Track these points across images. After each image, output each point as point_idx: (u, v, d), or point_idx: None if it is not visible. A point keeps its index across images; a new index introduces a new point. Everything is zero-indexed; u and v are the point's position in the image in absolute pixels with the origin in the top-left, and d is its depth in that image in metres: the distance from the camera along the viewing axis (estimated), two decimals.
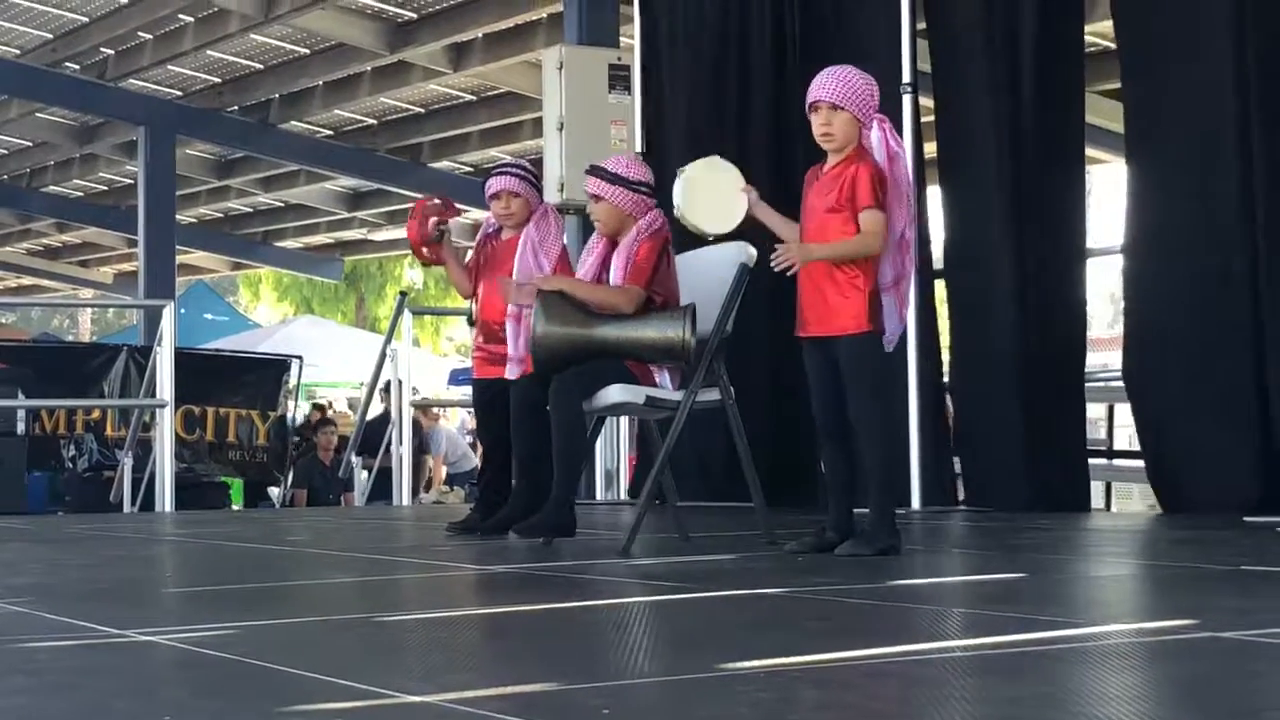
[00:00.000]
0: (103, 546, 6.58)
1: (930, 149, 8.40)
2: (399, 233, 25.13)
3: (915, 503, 7.75)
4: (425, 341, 29.93)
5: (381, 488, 11.78)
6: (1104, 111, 10.45)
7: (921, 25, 8.33)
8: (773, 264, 5.14)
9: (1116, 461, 10.31)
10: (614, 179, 5.78)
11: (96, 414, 13.84)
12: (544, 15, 13.84)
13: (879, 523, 5.20)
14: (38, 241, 28.35)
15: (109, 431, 13.72)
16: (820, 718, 2.54)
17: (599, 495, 9.70)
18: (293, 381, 15.10)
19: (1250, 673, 2.92)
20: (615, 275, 5.73)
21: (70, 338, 39.64)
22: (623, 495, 9.79)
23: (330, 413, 17.89)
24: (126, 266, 27.96)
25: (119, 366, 13.95)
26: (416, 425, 12.38)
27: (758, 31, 9.10)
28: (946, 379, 8.29)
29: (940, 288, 8.43)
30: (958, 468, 8.26)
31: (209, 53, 16.21)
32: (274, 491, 14.71)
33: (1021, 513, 7.47)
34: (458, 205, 7.08)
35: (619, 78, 10.26)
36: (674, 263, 5.80)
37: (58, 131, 20.06)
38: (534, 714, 2.53)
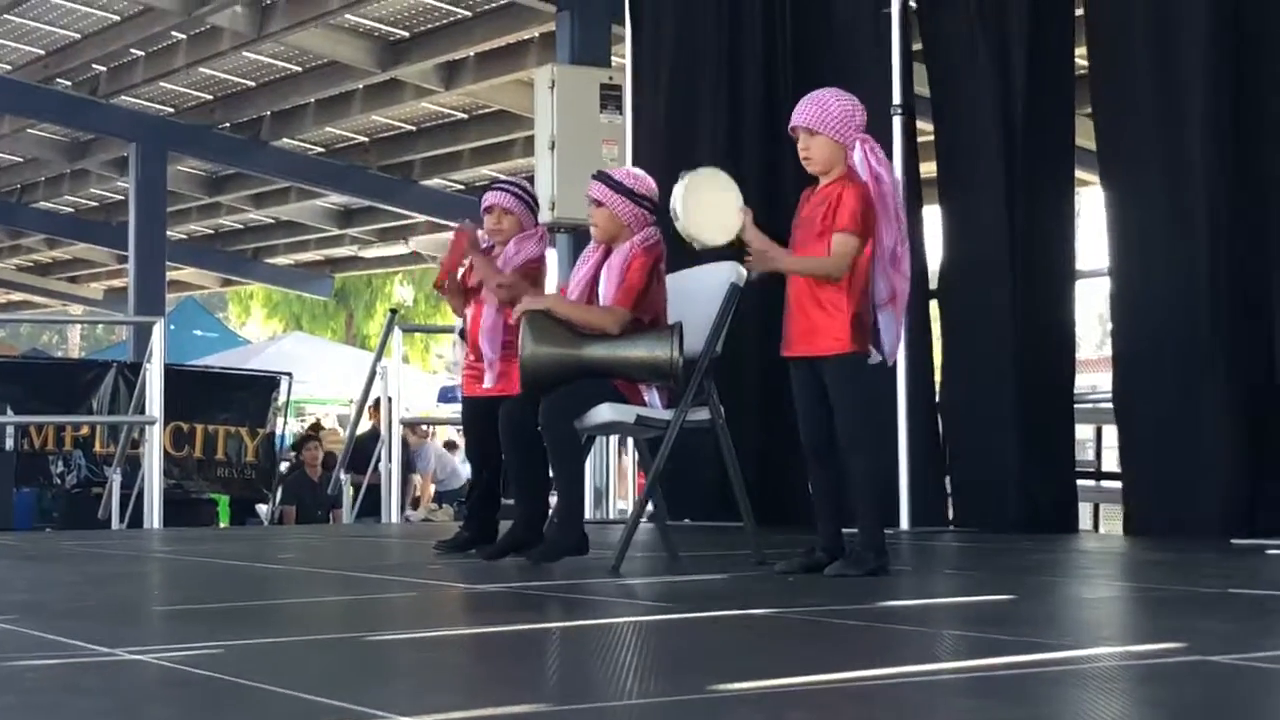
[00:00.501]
0: (90, 564, 6.56)
1: (927, 169, 8.42)
2: (390, 250, 25.17)
3: (904, 523, 7.75)
4: (415, 359, 29.92)
5: (369, 504, 11.76)
6: (1090, 133, 10.46)
7: (919, 47, 8.35)
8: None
9: (1104, 483, 10.31)
10: (618, 188, 5.79)
11: (85, 430, 13.81)
12: (536, 35, 13.87)
13: (868, 543, 5.20)
14: (28, 257, 28.32)
15: (98, 448, 13.69)
16: None
17: (588, 513, 9.68)
18: (282, 398, 15.08)
19: (1239, 697, 2.92)
20: (605, 288, 5.73)
21: (60, 354, 39.59)
22: (613, 514, 9.78)
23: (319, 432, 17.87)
24: (117, 282, 27.92)
25: (108, 383, 13.92)
26: (404, 443, 12.34)
27: (750, 53, 9.11)
28: (937, 399, 8.30)
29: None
30: (948, 488, 8.26)
31: (201, 70, 16.22)
32: (262, 508, 14.68)
33: (1010, 533, 7.47)
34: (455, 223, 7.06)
35: (610, 97, 10.29)
36: (664, 282, 5.80)
37: (49, 147, 20.05)
38: None
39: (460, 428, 9.85)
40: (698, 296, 5.75)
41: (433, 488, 16.27)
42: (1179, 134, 7.19)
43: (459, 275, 6.74)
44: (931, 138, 8.38)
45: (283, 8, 14.11)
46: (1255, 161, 7.00)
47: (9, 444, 12.09)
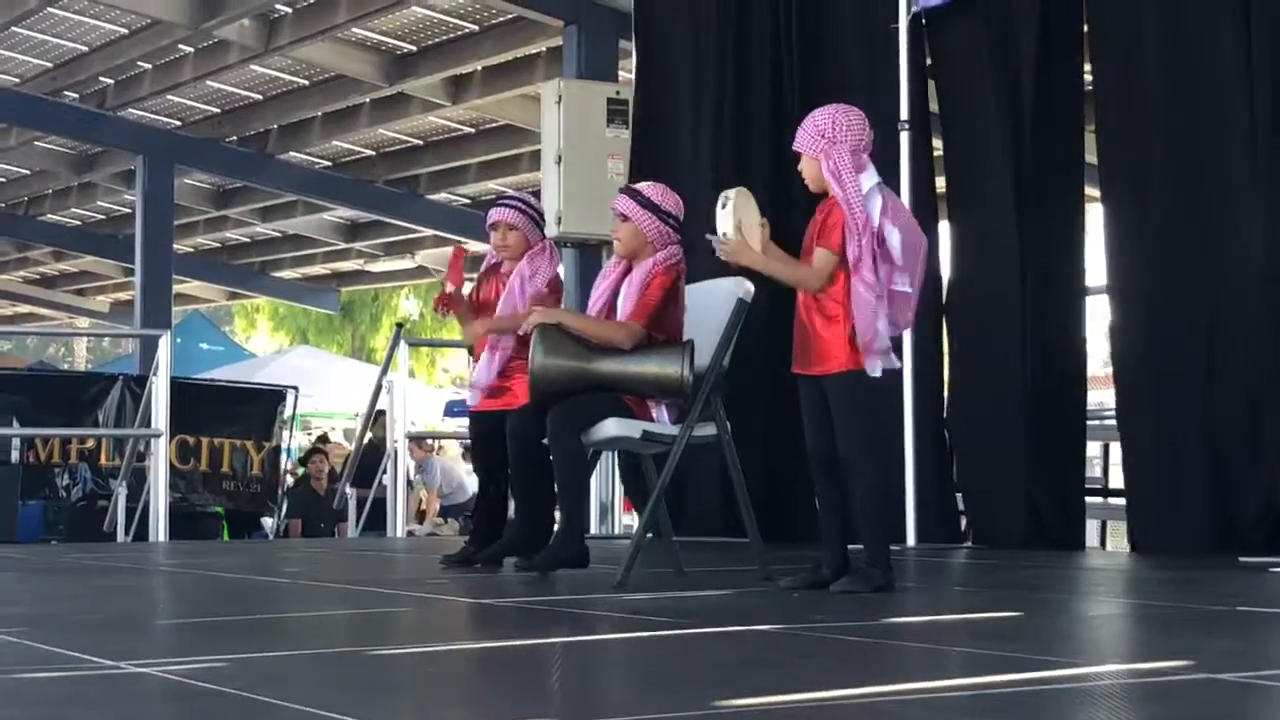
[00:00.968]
0: (95, 576, 6.56)
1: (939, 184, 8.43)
2: (396, 264, 25.18)
3: (911, 539, 7.74)
4: (421, 373, 29.93)
5: (375, 519, 11.75)
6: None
7: (929, 62, 8.35)
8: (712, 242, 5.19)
9: (1111, 500, 10.29)
10: (646, 203, 5.77)
11: (91, 443, 13.81)
12: (543, 49, 13.88)
13: (873, 559, 5.20)
14: (34, 270, 28.35)
15: (103, 461, 13.69)
16: None
17: (593, 529, 9.68)
18: (288, 412, 15.08)
19: (1246, 715, 2.91)
20: (624, 304, 5.72)
21: (66, 366, 39.59)
22: (618, 529, 9.77)
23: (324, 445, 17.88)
24: (123, 295, 27.94)
25: (114, 396, 13.92)
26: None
27: (756, 69, 9.10)
28: (945, 415, 8.29)
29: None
30: (960, 505, 8.25)
31: (208, 83, 16.24)
32: (268, 522, 14.68)
33: (1016, 550, 7.45)
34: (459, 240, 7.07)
35: (617, 112, 10.29)
36: (683, 302, 5.78)
37: (56, 160, 20.07)
38: None
39: (463, 443, 9.86)
40: (705, 311, 5.75)
41: (438, 502, 16.26)
42: (1187, 149, 7.18)
43: (468, 294, 6.75)
44: (941, 153, 8.38)
45: (290, 21, 14.13)
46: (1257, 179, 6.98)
47: (14, 456, 12.09)
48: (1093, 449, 10.95)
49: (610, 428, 5.54)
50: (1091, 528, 9.37)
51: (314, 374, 20.86)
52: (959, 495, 8.15)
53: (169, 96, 16.83)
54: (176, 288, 20.68)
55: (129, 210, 20.72)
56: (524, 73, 14.49)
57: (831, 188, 5.18)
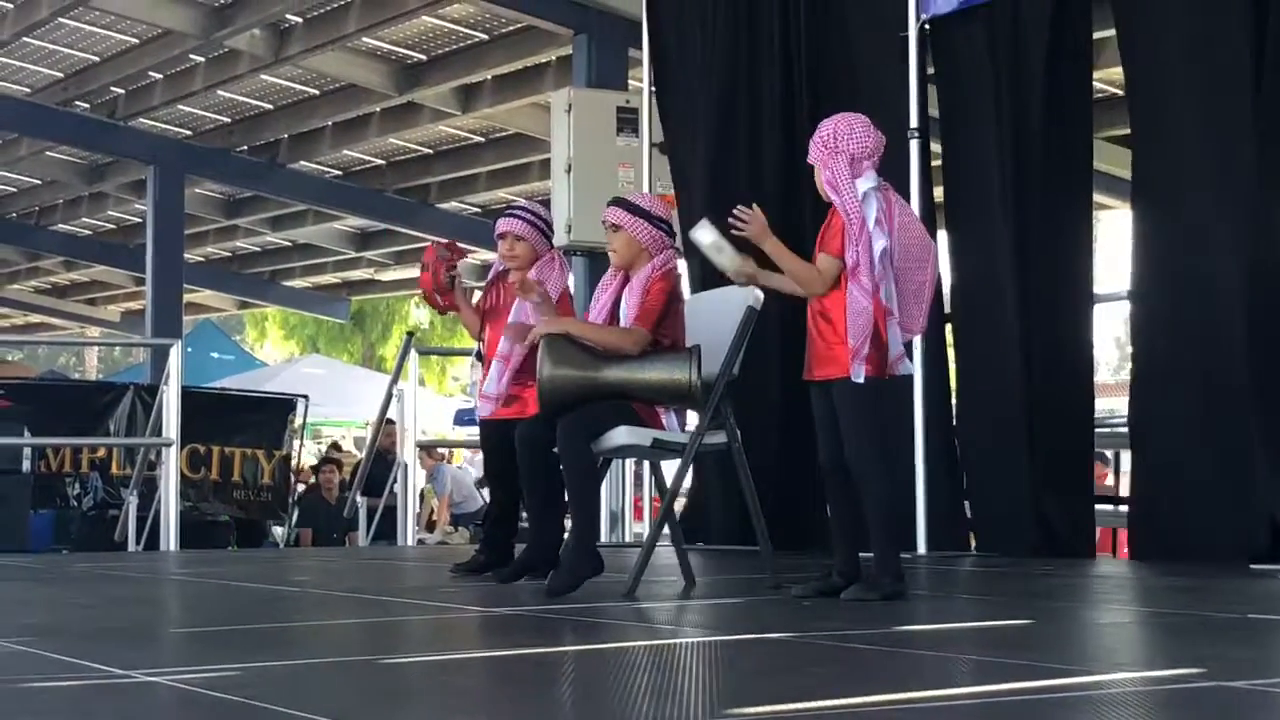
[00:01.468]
0: (107, 586, 6.57)
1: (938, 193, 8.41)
2: (406, 273, 25.18)
3: (921, 547, 7.73)
4: (431, 381, 29.93)
5: (386, 527, 11.75)
6: (1108, 157, 10.46)
7: (930, 70, 8.34)
8: (733, 216, 5.29)
9: (1122, 508, 10.27)
10: (636, 210, 5.79)
11: (102, 452, 13.83)
12: (553, 58, 13.89)
13: (884, 567, 5.20)
14: (45, 279, 28.39)
15: (114, 470, 13.70)
16: None
17: (604, 537, 9.68)
18: (298, 421, 15.10)
19: None
20: (627, 312, 5.73)
21: (77, 376, 39.64)
22: (628, 537, 9.77)
23: (337, 454, 17.89)
24: (134, 305, 27.99)
25: (125, 405, 13.95)
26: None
27: (767, 78, 9.10)
28: (955, 423, 8.29)
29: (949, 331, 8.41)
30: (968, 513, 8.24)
31: (219, 92, 16.27)
32: (278, 531, 14.69)
33: (1027, 558, 7.44)
34: (463, 246, 7.08)
35: (627, 121, 10.30)
36: (683, 305, 5.80)
37: (67, 170, 20.11)
38: None
39: (472, 451, 9.85)
40: (715, 319, 5.75)
41: (449, 511, 16.24)
42: (1211, 157, 7.16)
43: (474, 299, 6.76)
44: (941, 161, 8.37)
45: (300, 31, 14.16)
46: None
47: (26, 466, 12.10)
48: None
49: (621, 436, 5.54)
50: (1102, 535, 9.35)
51: (324, 383, 20.88)
52: (966, 504, 8.14)
53: (180, 106, 16.86)
54: (187, 297, 20.70)
55: (140, 220, 20.75)
56: (534, 82, 14.51)
57: (830, 196, 5.20)
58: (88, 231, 23.81)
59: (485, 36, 13.95)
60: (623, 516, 9.92)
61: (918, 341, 7.20)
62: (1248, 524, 6.91)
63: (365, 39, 14.20)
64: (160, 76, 16.18)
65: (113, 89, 16.65)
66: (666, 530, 6.07)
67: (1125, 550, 10.66)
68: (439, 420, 20.67)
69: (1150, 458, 7.42)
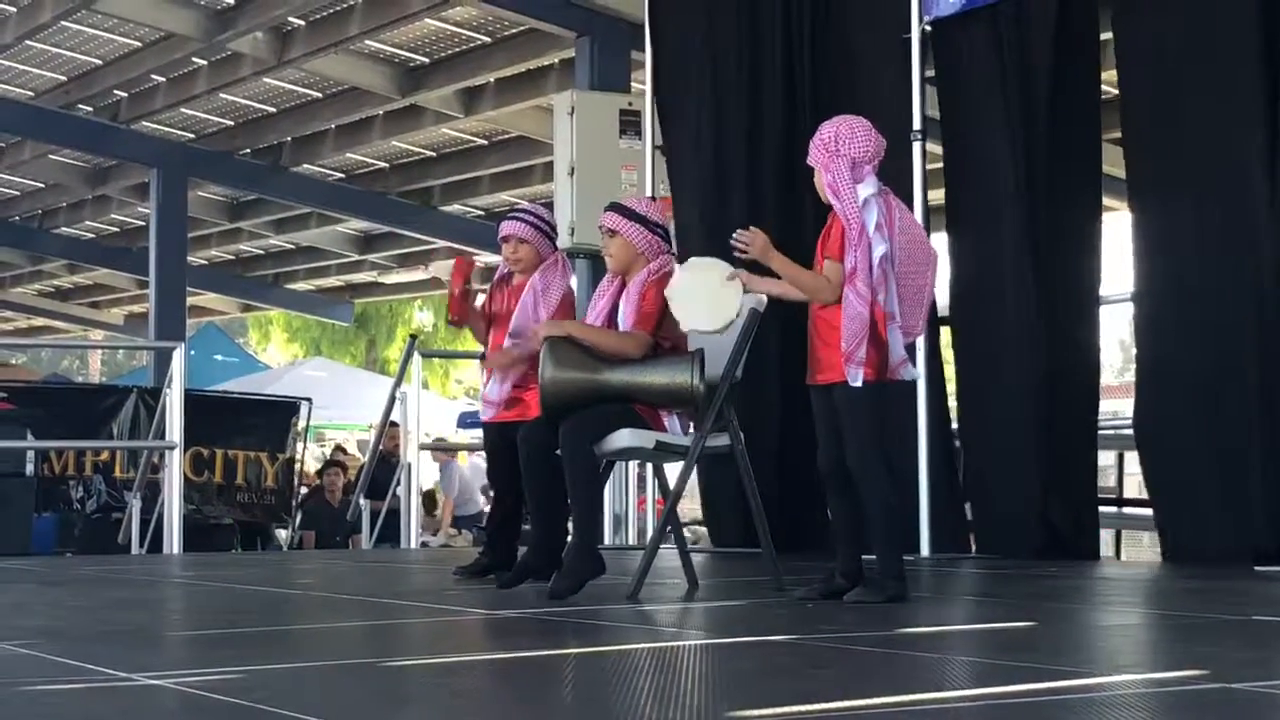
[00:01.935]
0: (110, 589, 6.57)
1: (936, 194, 8.40)
2: (410, 276, 25.21)
3: (924, 550, 7.73)
4: (434, 384, 29.93)
5: (389, 530, 11.76)
6: (1116, 159, 10.42)
7: (930, 72, 8.34)
8: (734, 240, 5.29)
9: (1126, 509, 10.28)
10: (631, 215, 5.80)
11: (105, 455, 13.83)
12: (556, 61, 13.89)
13: (886, 570, 5.20)
14: (49, 283, 28.41)
15: (118, 473, 13.71)
16: None
17: (608, 539, 9.67)
18: (302, 424, 15.10)
19: None
20: (624, 318, 5.74)
21: (80, 379, 39.66)
22: (632, 539, 9.77)
23: (343, 456, 17.91)
24: (137, 308, 27.99)
25: (128, 408, 13.95)
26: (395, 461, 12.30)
27: (769, 80, 9.09)
28: (956, 425, 8.28)
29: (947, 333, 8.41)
30: (969, 515, 8.23)
31: (222, 95, 16.27)
32: (282, 534, 14.69)
33: (1031, 560, 7.44)
34: (470, 250, 7.08)
35: (630, 123, 10.30)
36: None
37: (70, 173, 20.12)
38: None
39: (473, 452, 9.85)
40: None
41: (452, 510, 16.23)
42: (1213, 157, 7.16)
43: (478, 303, 6.76)
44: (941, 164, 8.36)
45: (303, 34, 14.16)
46: None
47: (29, 469, 12.10)
48: (1108, 458, 10.94)
49: (624, 438, 5.54)
50: (1106, 536, 9.34)
51: (328, 385, 20.89)
52: (967, 505, 8.13)
53: (182, 109, 16.87)
54: (190, 300, 20.72)
55: (143, 223, 20.76)
56: (536, 84, 14.51)
57: (830, 200, 5.20)
58: (91, 235, 23.82)
59: (488, 39, 13.95)
60: (626, 519, 9.91)
61: (920, 344, 7.20)
62: (1252, 525, 6.90)
63: (368, 42, 14.20)
64: (163, 79, 16.18)
65: (115, 92, 16.65)
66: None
67: (1126, 552, 10.67)
68: (442, 423, 20.68)
69: (1154, 459, 7.42)
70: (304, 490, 15.52)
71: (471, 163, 17.90)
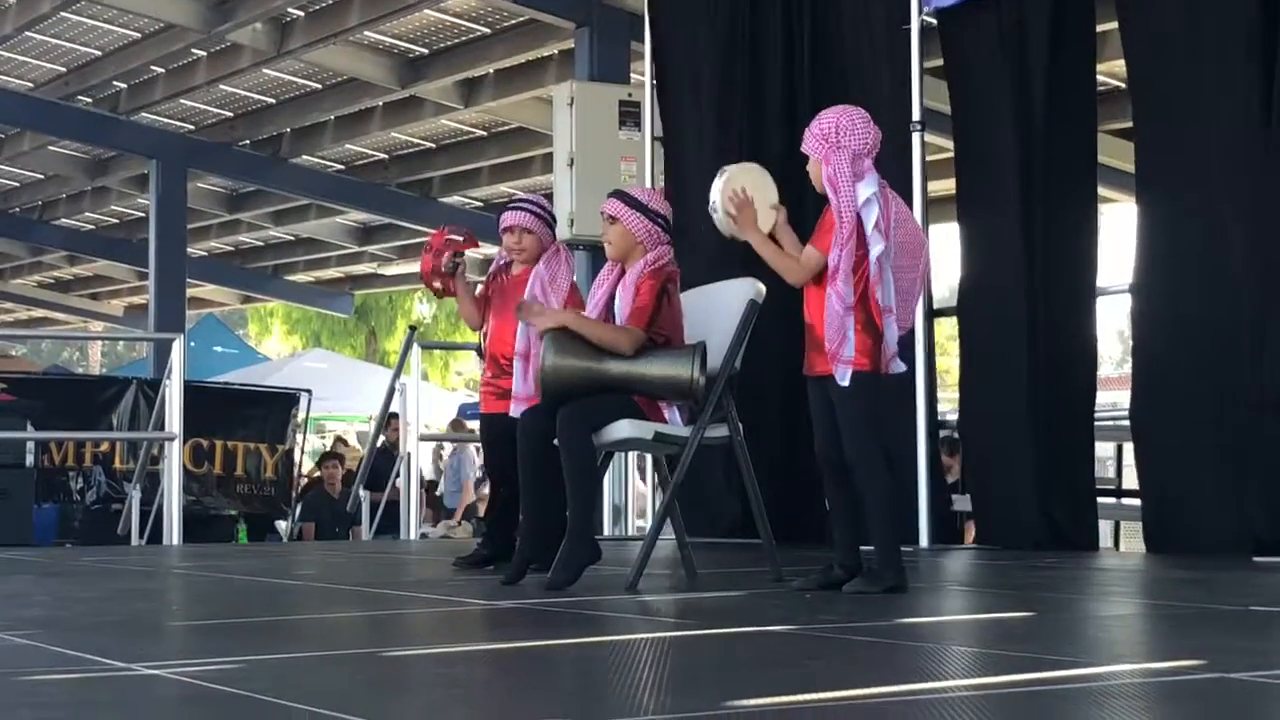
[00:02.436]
0: (110, 579, 6.57)
1: (943, 187, 8.40)
2: (409, 267, 25.17)
3: (923, 540, 7.73)
4: (434, 376, 29.93)
5: (388, 521, 11.77)
6: (1110, 150, 10.45)
7: (939, 63, 8.33)
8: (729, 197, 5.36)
9: (1125, 500, 10.29)
10: (632, 203, 5.79)
11: (105, 446, 13.85)
12: (555, 52, 13.89)
13: (885, 560, 5.20)
14: (49, 274, 28.41)
15: (117, 464, 13.72)
16: None
17: (606, 530, 9.68)
18: (301, 415, 15.11)
19: (1259, 715, 2.90)
20: (621, 308, 5.73)
21: (80, 370, 39.68)
22: (631, 530, 9.77)
23: (343, 448, 17.92)
24: (137, 299, 28.00)
25: (128, 399, 13.96)
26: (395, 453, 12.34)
27: (769, 71, 9.10)
28: (956, 416, 8.29)
29: (948, 325, 8.41)
30: (967, 505, 8.23)
31: (221, 87, 16.26)
32: (281, 525, 14.70)
33: (1029, 551, 7.45)
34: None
35: (629, 114, 10.30)
36: (678, 301, 5.78)
37: (70, 164, 20.12)
38: None
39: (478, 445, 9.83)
40: (716, 313, 5.75)
41: (471, 495, 16.17)
42: (1217, 151, 7.15)
43: (476, 289, 6.75)
44: (947, 154, 8.35)
45: (303, 25, 14.16)
46: None
47: (29, 460, 12.12)
48: (1107, 449, 10.95)
49: (623, 429, 5.54)
50: (1104, 528, 9.35)
51: (327, 377, 20.88)
52: (967, 496, 8.14)
53: (182, 100, 16.86)
54: (190, 291, 20.71)
55: (143, 214, 20.76)
56: (536, 75, 14.51)
57: (827, 193, 5.19)
58: (90, 226, 23.82)
59: (487, 30, 13.94)
60: (625, 510, 9.92)
61: (919, 336, 7.19)
62: (1250, 516, 6.91)
63: (367, 33, 14.19)
64: (162, 71, 16.17)
65: (115, 83, 16.65)
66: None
67: (1125, 543, 10.67)
68: (442, 414, 20.68)
69: (1151, 450, 7.42)
70: (304, 482, 15.54)
71: (471, 154, 17.90)
